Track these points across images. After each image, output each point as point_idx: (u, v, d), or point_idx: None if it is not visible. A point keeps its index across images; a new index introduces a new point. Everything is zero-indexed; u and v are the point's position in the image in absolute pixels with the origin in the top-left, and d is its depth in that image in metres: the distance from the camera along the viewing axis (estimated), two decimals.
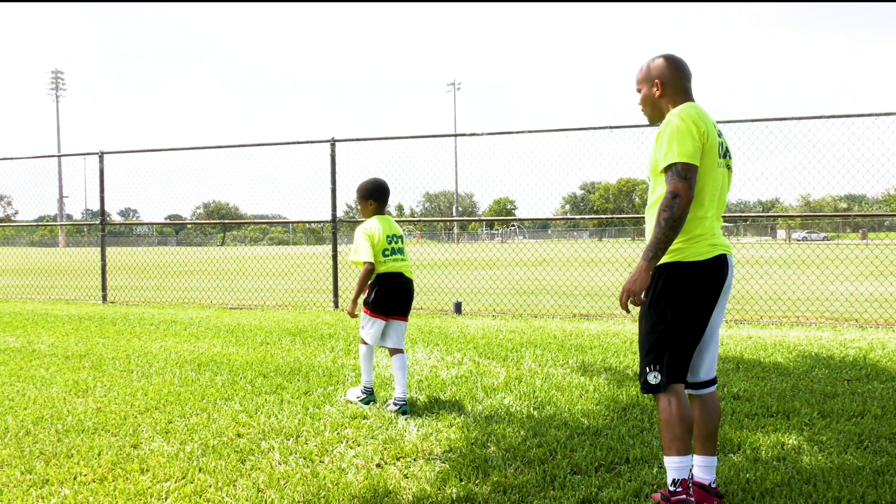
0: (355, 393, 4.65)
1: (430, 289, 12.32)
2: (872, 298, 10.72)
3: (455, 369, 5.53)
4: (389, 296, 4.54)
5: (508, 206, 71.12)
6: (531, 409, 4.31)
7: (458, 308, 9.58)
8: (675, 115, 2.71)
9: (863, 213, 34.82)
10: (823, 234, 52.17)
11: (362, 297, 4.63)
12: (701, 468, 2.87)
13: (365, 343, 4.60)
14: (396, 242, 4.58)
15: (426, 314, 9.27)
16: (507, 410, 4.28)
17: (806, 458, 3.36)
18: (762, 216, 40.05)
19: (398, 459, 3.49)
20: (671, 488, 2.69)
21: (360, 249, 4.50)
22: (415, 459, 3.47)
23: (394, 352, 4.55)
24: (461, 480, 3.16)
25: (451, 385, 4.97)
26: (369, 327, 4.55)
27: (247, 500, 2.98)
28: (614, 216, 10.21)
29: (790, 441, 3.64)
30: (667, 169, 2.65)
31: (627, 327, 7.80)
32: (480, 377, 5.21)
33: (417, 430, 3.91)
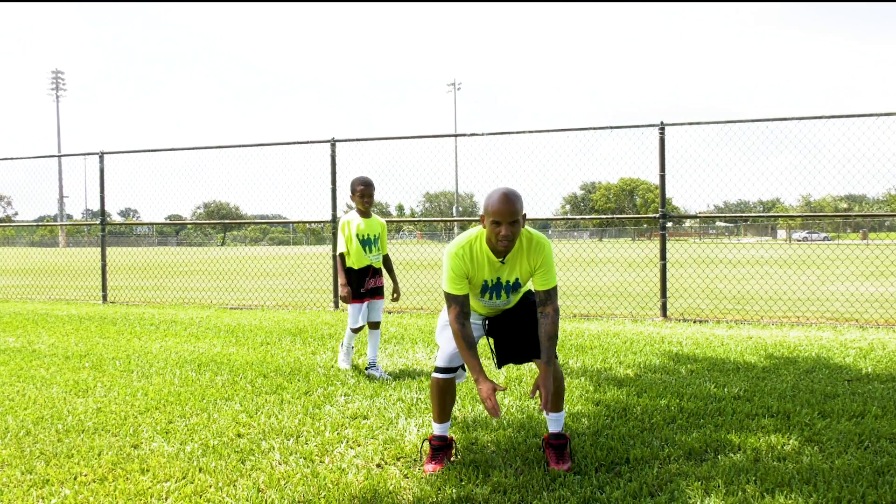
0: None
1: (431, 289, 12.31)
2: (873, 298, 10.72)
3: None
4: None
5: None
6: (531, 409, 4.31)
7: None
8: (546, 242, 3.31)
9: (863, 213, 34.78)
10: (824, 234, 52.15)
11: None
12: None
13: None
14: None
15: (426, 314, 9.27)
16: (508, 411, 4.28)
17: (806, 458, 3.36)
18: (762, 216, 40.08)
19: (398, 459, 3.49)
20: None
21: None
22: (415, 459, 3.47)
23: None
24: (461, 481, 3.16)
25: None
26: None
27: (247, 501, 2.98)
28: (614, 216, 10.20)
29: (790, 441, 3.64)
30: (553, 287, 3.29)
31: (628, 327, 7.80)
32: None
33: (417, 430, 3.91)
